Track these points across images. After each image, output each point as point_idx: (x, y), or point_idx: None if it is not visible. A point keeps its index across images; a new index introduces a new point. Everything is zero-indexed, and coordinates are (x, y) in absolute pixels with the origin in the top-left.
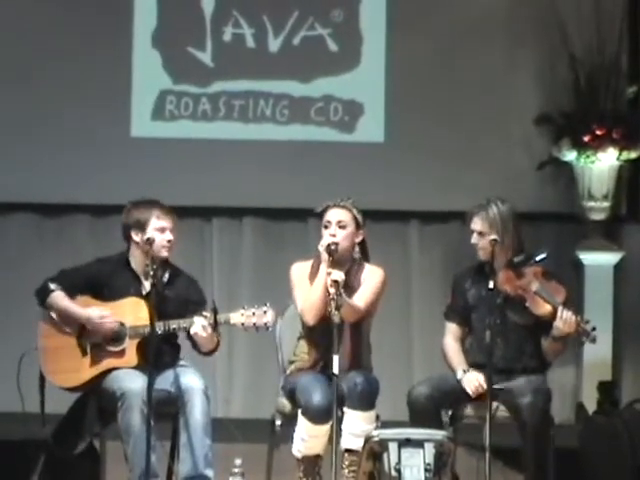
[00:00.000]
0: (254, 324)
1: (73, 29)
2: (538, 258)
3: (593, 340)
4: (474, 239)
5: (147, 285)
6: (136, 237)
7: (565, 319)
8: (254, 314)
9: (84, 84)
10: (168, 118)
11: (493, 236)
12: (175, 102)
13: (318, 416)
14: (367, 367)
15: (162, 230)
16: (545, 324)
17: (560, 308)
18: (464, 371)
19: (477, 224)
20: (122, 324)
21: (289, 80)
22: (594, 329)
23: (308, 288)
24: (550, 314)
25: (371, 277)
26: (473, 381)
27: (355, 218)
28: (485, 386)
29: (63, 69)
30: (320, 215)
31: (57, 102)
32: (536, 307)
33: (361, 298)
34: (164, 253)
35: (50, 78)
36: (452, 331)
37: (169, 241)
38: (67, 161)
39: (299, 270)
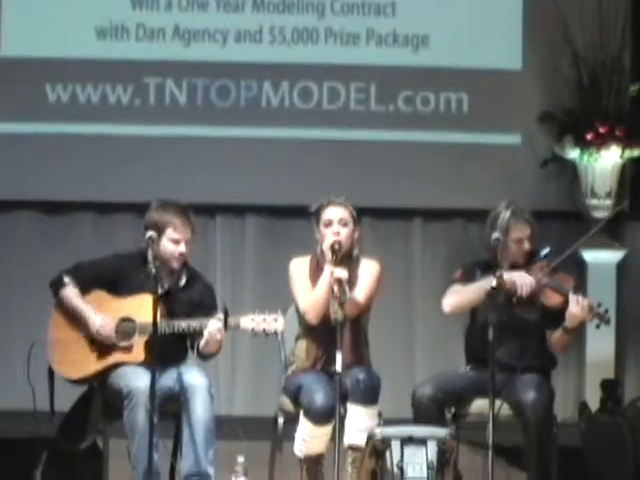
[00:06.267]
0: (264, 330)
1: None
2: (543, 253)
3: (608, 322)
4: (527, 245)
5: (164, 283)
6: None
7: (579, 303)
8: (264, 320)
9: None
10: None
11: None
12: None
13: (321, 417)
14: (367, 362)
15: (176, 242)
16: (554, 317)
17: (572, 294)
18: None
19: (527, 230)
20: (131, 320)
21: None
22: (607, 311)
23: (308, 285)
24: (562, 303)
25: (368, 271)
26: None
27: (352, 215)
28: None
29: None
30: (314, 213)
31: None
32: (547, 299)
33: (361, 292)
34: (174, 264)
35: None
36: None
37: (181, 254)
38: (71, 159)
39: (298, 266)
